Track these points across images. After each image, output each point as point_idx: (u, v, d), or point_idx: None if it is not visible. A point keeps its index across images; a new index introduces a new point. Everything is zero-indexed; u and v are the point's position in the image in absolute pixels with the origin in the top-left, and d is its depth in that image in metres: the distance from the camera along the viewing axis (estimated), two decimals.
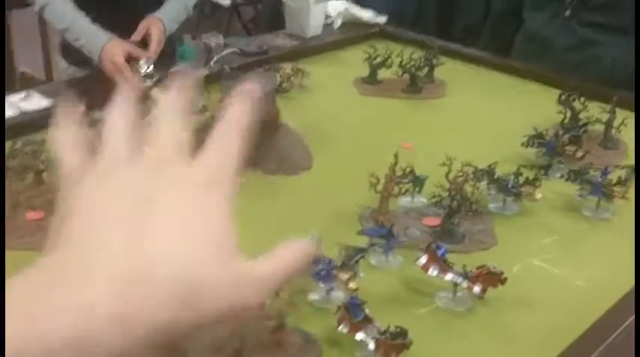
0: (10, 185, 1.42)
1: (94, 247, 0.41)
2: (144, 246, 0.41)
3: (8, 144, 1.64)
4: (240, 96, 0.51)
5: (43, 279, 0.40)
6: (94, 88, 1.92)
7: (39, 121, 1.80)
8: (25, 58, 4.13)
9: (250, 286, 0.44)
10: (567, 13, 2.27)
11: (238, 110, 0.50)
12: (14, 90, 2.15)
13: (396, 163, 1.48)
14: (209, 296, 0.42)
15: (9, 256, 1.33)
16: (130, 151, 0.47)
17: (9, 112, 1.84)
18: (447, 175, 1.48)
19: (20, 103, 1.89)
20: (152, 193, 0.44)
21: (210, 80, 1.99)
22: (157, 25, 2.01)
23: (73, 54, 2.14)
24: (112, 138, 0.49)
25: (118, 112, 0.50)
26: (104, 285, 0.39)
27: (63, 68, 2.25)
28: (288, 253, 0.47)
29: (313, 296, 1.25)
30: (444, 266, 1.25)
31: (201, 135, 1.59)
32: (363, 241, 1.35)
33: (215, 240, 0.44)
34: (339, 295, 1.24)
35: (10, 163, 1.58)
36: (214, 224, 0.44)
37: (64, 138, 0.51)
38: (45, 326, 0.37)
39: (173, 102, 0.49)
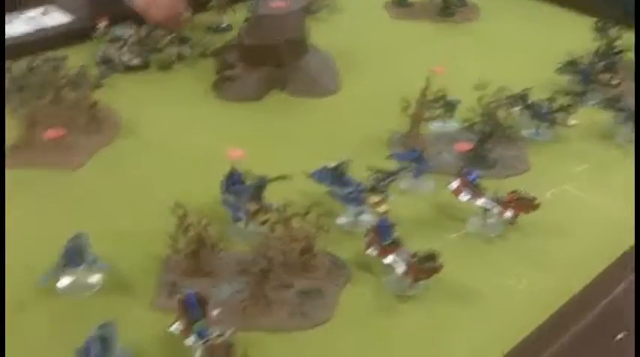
0: (28, 103, 1.39)
1: None
2: None
3: (26, 61, 1.60)
4: None
5: None
6: (116, 4, 1.87)
7: (59, 38, 1.76)
8: None
9: None
10: None
11: None
12: (31, 4, 2.10)
13: (427, 87, 1.43)
14: None
15: (30, 173, 1.32)
16: None
17: (27, 28, 1.80)
18: (479, 100, 1.43)
19: (39, 19, 1.84)
20: None
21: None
22: None
23: None
24: None
25: None
26: None
27: None
28: None
29: (341, 220, 1.22)
30: (476, 191, 1.22)
31: (223, 54, 1.53)
32: (392, 166, 1.32)
33: None
34: (367, 219, 1.21)
35: (28, 80, 1.54)
36: None
37: None
38: None
39: None
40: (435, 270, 1.04)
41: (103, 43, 1.68)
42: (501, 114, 1.45)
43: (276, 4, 1.62)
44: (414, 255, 1.05)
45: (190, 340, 0.91)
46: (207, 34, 1.85)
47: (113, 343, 0.90)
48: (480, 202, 1.21)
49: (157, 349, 0.98)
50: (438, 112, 1.49)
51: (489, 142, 1.40)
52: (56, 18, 1.84)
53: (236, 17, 1.89)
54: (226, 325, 0.94)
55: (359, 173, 1.26)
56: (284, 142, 1.47)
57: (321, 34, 1.80)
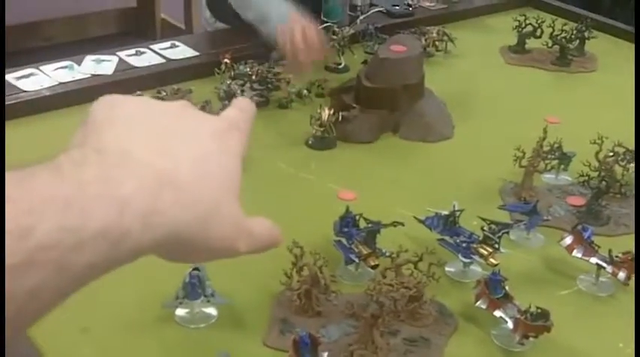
0: None
1: (128, 152, 0.44)
2: (172, 158, 0.45)
3: (152, 92, 1.66)
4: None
5: (77, 174, 0.41)
6: (239, 42, 1.94)
7: (185, 71, 1.84)
8: (166, 6, 4.22)
9: (242, 234, 0.49)
10: None
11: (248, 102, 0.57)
12: (155, 38, 2.19)
13: (544, 138, 1.43)
14: (218, 223, 0.47)
15: None
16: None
17: (154, 61, 1.88)
18: (596, 154, 1.42)
19: (166, 52, 1.92)
20: (182, 123, 0.49)
21: (354, 40, 1.97)
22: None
23: (219, 7, 2.14)
24: None
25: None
26: (137, 183, 0.42)
27: (209, 22, 2.26)
28: (268, 230, 0.52)
29: (449, 268, 1.23)
30: (589, 249, 1.21)
31: (341, 95, 1.57)
32: (502, 216, 1.32)
33: (230, 177, 0.48)
34: (476, 270, 1.22)
35: None
36: (230, 164, 0.49)
37: None
38: (79, 218, 0.39)
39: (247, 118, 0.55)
40: (546, 329, 1.03)
41: (225, 78, 1.74)
42: (618, 170, 1.43)
43: (397, 48, 1.65)
44: (524, 311, 1.05)
45: None
46: (325, 73, 1.89)
47: None
48: (593, 260, 1.20)
49: None
50: (553, 163, 1.48)
51: (604, 198, 1.38)
52: (183, 52, 1.92)
53: (354, 58, 1.93)
54: None
55: (469, 221, 1.26)
56: (394, 186, 1.49)
57: (436, 78, 1.82)
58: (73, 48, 1.89)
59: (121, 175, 0.42)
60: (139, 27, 4.16)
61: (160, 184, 0.43)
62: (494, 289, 1.09)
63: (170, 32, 3.98)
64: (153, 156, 0.45)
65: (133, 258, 0.43)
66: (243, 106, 0.55)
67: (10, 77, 1.74)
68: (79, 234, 0.39)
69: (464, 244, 1.20)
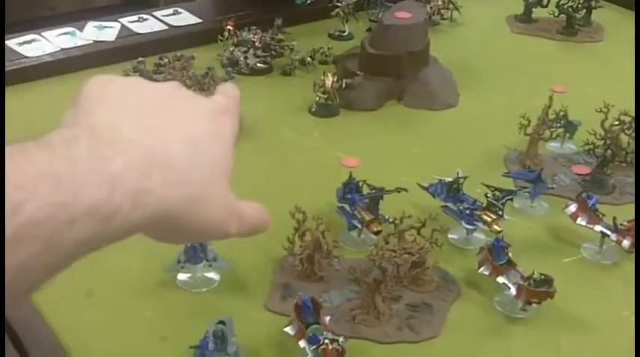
0: None
1: (118, 130, 0.44)
2: (162, 138, 0.45)
3: (154, 59, 1.65)
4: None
5: (68, 151, 0.41)
6: (242, 8, 1.93)
7: (187, 38, 1.82)
8: None
9: (233, 216, 0.50)
10: None
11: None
12: (159, 6, 2.17)
13: (550, 106, 1.42)
14: (209, 204, 0.47)
15: None
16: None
17: (157, 27, 1.86)
18: (602, 123, 1.40)
19: (168, 19, 1.90)
20: (173, 104, 0.49)
21: (359, 7, 1.96)
22: None
23: None
24: None
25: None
26: (127, 160, 0.42)
27: None
28: (258, 213, 0.53)
29: (452, 235, 1.23)
30: (594, 217, 1.20)
31: (345, 62, 1.55)
32: (507, 184, 1.31)
33: (221, 159, 0.49)
34: (479, 237, 1.21)
35: (155, 77, 1.60)
36: (222, 146, 0.49)
37: None
38: (70, 194, 0.39)
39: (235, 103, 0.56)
40: (549, 295, 1.03)
41: (228, 45, 1.72)
42: (623, 138, 1.42)
43: (402, 14, 1.63)
44: (527, 278, 1.04)
45: (304, 343, 0.94)
46: (329, 41, 1.88)
47: (228, 338, 0.93)
48: (598, 228, 1.19)
49: (269, 348, 1.01)
50: (558, 132, 1.47)
51: (609, 167, 1.37)
52: (186, 19, 1.91)
53: (358, 26, 1.92)
54: (335, 332, 0.96)
55: (472, 189, 1.26)
56: (398, 153, 1.48)
57: (441, 46, 1.81)
58: (77, 17, 1.86)
59: (111, 153, 0.42)
60: None
61: (149, 163, 0.43)
62: (497, 255, 1.08)
63: (172, 2, 3.94)
64: (143, 135, 0.45)
65: (123, 236, 0.43)
66: (227, 92, 0.56)
67: (12, 43, 1.73)
68: (69, 209, 0.39)
69: (467, 211, 1.20)
